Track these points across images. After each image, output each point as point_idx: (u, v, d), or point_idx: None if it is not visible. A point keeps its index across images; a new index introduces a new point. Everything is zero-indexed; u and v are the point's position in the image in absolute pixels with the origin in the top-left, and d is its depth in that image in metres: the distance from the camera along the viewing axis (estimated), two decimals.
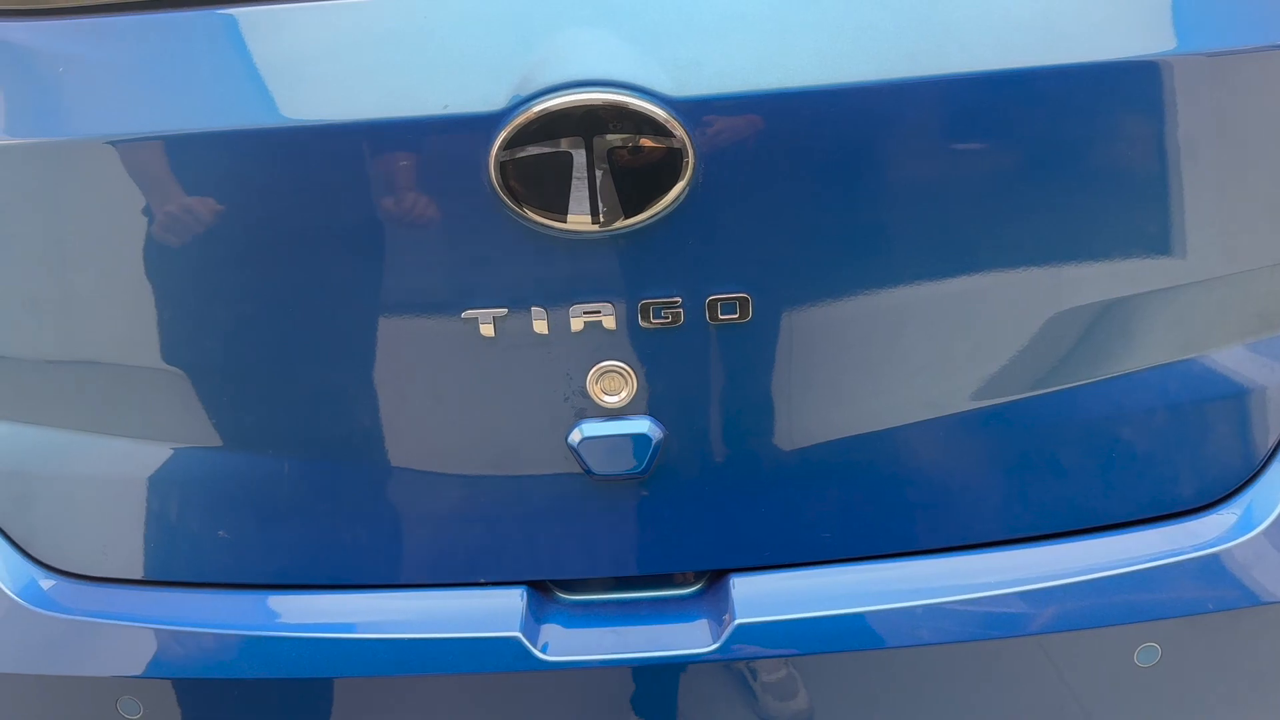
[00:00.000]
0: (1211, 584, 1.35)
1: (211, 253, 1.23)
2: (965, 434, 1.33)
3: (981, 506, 1.36)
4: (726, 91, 1.15)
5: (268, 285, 1.24)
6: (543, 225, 1.18)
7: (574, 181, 1.16)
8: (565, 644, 1.33)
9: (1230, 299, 1.32)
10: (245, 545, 1.37)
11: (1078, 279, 1.26)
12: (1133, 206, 1.24)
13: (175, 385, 1.30)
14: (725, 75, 1.15)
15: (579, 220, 1.17)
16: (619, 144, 1.15)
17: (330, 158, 1.18)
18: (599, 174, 1.15)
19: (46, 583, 1.39)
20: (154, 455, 1.35)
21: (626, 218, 1.18)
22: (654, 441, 1.29)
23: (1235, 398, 1.36)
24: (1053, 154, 1.21)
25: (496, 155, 1.15)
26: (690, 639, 1.34)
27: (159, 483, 1.35)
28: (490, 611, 1.34)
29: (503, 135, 1.14)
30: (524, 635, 1.32)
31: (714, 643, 1.32)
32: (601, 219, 1.17)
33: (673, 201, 1.17)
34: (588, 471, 1.31)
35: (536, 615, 1.35)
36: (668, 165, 1.16)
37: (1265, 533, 1.36)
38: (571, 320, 1.24)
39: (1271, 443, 1.38)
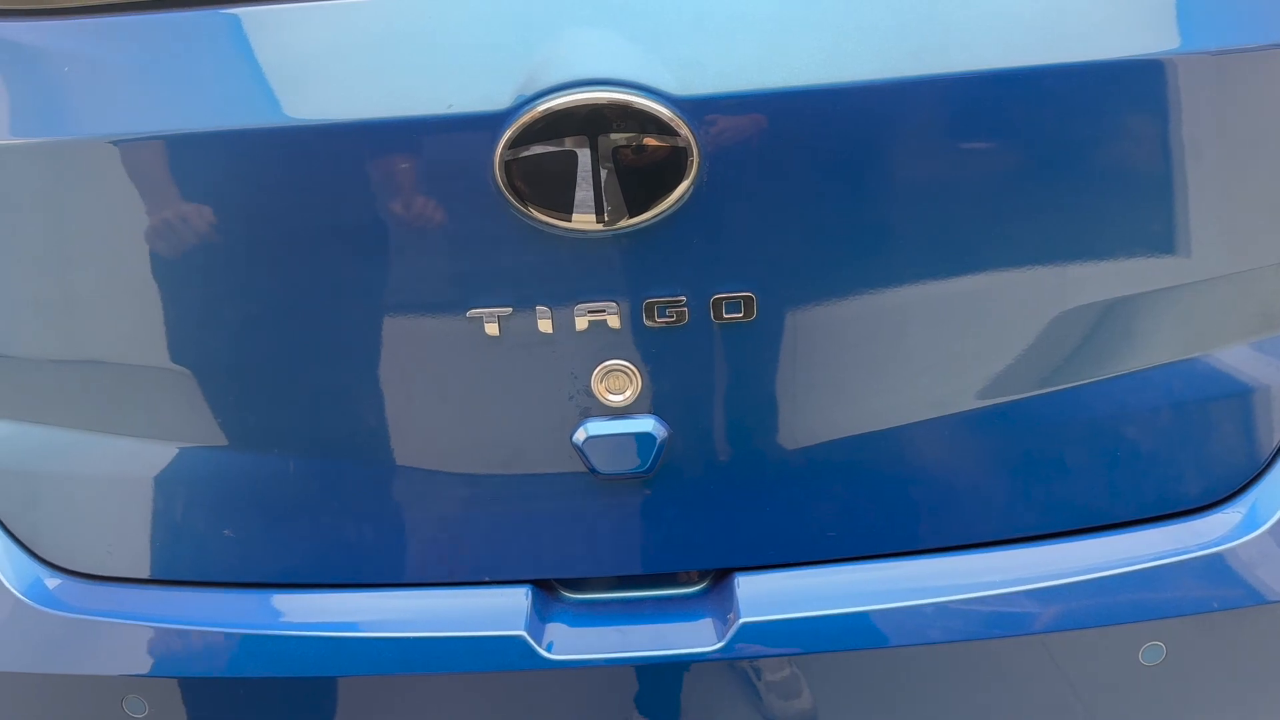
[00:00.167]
0: (1216, 583, 1.35)
1: (216, 252, 1.23)
2: (970, 433, 1.33)
3: (986, 506, 1.36)
4: (731, 90, 1.15)
5: (272, 285, 1.24)
6: (547, 224, 1.18)
7: (579, 181, 1.16)
8: (570, 643, 1.33)
9: (1234, 298, 1.32)
10: (250, 544, 1.37)
11: (1081, 278, 1.26)
12: (1136, 205, 1.24)
13: (181, 385, 1.30)
14: (730, 74, 1.15)
15: (584, 219, 1.17)
16: (624, 143, 1.15)
17: (334, 157, 1.19)
18: (604, 173, 1.15)
19: (52, 582, 1.39)
20: (159, 454, 1.35)
21: (631, 217, 1.18)
22: (658, 440, 1.29)
23: (1239, 397, 1.36)
24: (1056, 153, 1.21)
25: (501, 154, 1.15)
26: (695, 638, 1.33)
27: (164, 482, 1.36)
28: (495, 610, 1.34)
29: (507, 134, 1.14)
30: (529, 634, 1.32)
31: (719, 642, 1.32)
32: (606, 218, 1.17)
33: (677, 200, 1.17)
34: (592, 470, 1.31)
35: (541, 614, 1.35)
36: (672, 164, 1.16)
37: (1270, 531, 1.36)
38: (576, 319, 1.24)
39: (1276, 441, 1.38)
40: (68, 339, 1.30)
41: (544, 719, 1.39)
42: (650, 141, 1.15)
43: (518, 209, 1.17)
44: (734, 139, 1.16)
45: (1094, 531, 1.37)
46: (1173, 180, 1.23)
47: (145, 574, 1.39)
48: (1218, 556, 1.35)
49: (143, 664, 1.35)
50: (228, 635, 1.34)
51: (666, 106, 1.14)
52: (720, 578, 1.39)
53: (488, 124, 1.15)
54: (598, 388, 1.28)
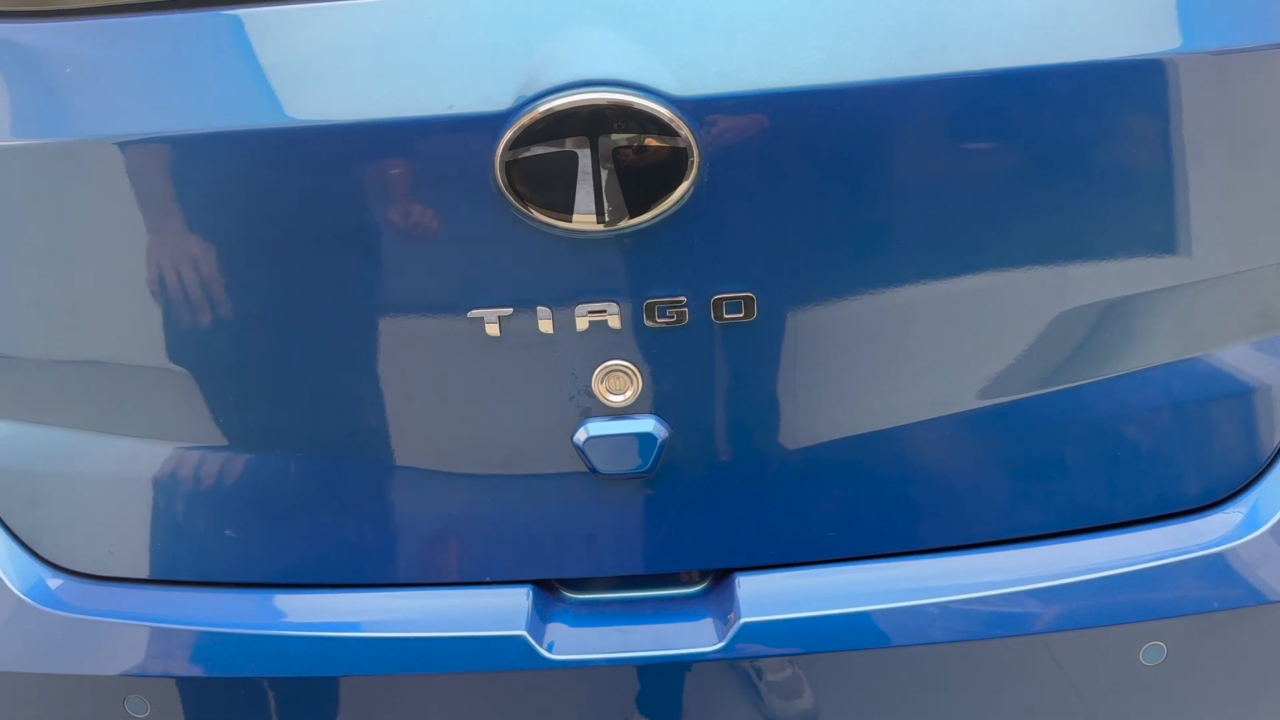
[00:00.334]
0: (1217, 583, 1.35)
1: (216, 253, 1.23)
2: (970, 433, 1.33)
3: (987, 506, 1.36)
4: (731, 91, 1.15)
5: (273, 285, 1.25)
6: (548, 225, 1.18)
7: (579, 181, 1.16)
8: (571, 643, 1.33)
9: (1234, 298, 1.32)
10: (252, 544, 1.37)
11: (1081, 278, 1.26)
12: (1136, 205, 1.24)
13: (182, 385, 1.30)
14: (730, 74, 1.15)
15: (584, 220, 1.17)
16: (624, 143, 1.15)
17: (335, 158, 1.19)
18: (604, 174, 1.15)
19: (54, 582, 1.39)
20: (161, 455, 1.35)
21: (632, 217, 1.18)
22: (659, 440, 1.30)
23: (1240, 396, 1.36)
24: (1057, 153, 1.21)
25: (502, 155, 1.15)
26: (695, 638, 1.33)
27: (166, 482, 1.36)
28: (496, 610, 1.34)
29: (508, 135, 1.14)
30: (529, 634, 1.32)
31: (719, 642, 1.32)
32: (607, 219, 1.17)
33: (678, 201, 1.17)
34: (593, 471, 1.31)
35: (542, 614, 1.36)
36: (673, 165, 1.16)
37: (1271, 531, 1.36)
38: (577, 320, 1.24)
39: (1276, 441, 1.38)
40: (69, 339, 1.30)
41: (545, 719, 1.39)
42: (651, 142, 1.15)
43: (518, 209, 1.17)
44: (734, 139, 1.16)
45: (1094, 531, 1.37)
46: (1173, 180, 1.23)
47: (147, 574, 1.39)
48: (1218, 556, 1.35)
49: (144, 664, 1.35)
50: (229, 635, 1.34)
51: (667, 107, 1.14)
52: (721, 578, 1.39)
53: (488, 124, 1.15)
54: (598, 388, 1.28)
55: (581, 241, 1.19)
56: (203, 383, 1.30)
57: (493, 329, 1.24)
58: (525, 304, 1.23)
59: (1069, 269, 1.25)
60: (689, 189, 1.17)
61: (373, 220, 1.20)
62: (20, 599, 1.36)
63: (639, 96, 1.14)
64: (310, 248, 1.22)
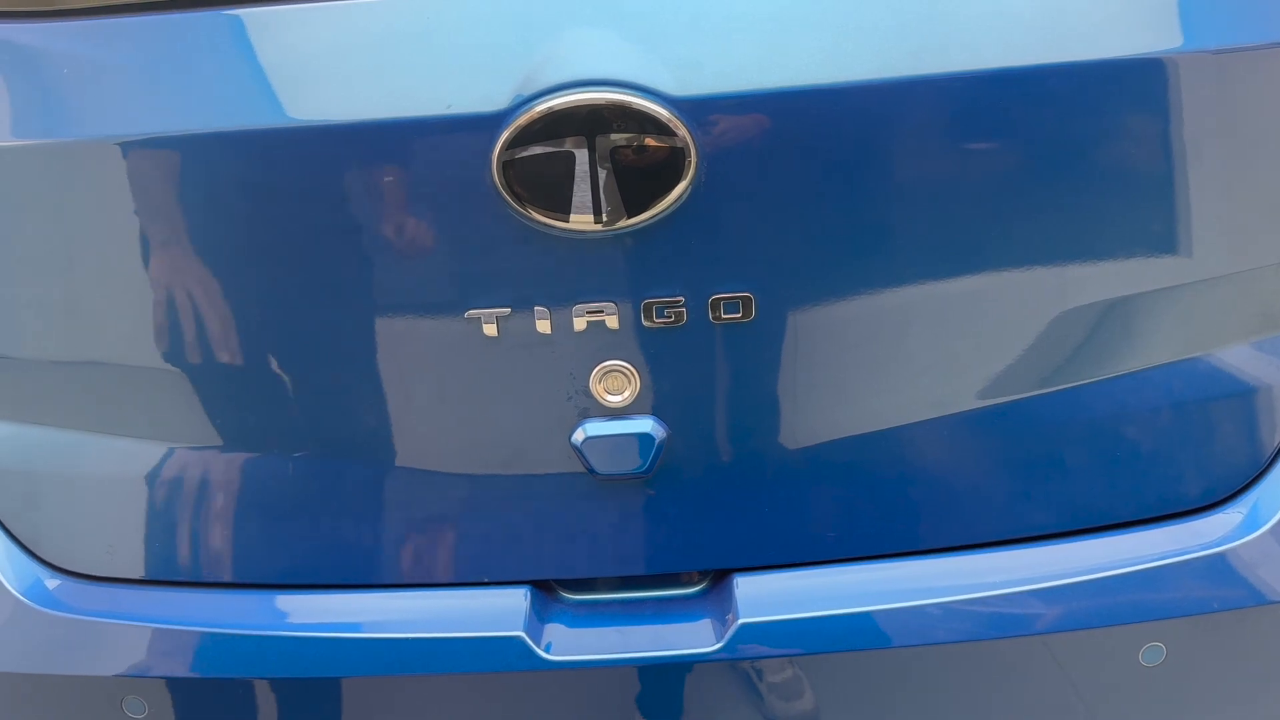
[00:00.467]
0: (1217, 583, 1.35)
1: (215, 253, 1.23)
2: (969, 433, 1.33)
3: (986, 506, 1.36)
4: (729, 91, 1.15)
5: (271, 285, 1.25)
6: (545, 225, 1.18)
7: (577, 181, 1.16)
8: (569, 643, 1.33)
9: (1234, 298, 1.32)
10: (250, 545, 1.37)
11: (1081, 278, 1.26)
12: (1136, 205, 1.24)
13: (180, 385, 1.30)
14: (728, 74, 1.15)
15: (582, 220, 1.17)
16: (622, 143, 1.15)
17: (333, 158, 1.19)
18: (602, 173, 1.15)
19: (52, 582, 1.39)
20: (159, 455, 1.35)
21: (629, 217, 1.18)
22: (657, 441, 1.29)
23: (1240, 396, 1.36)
24: (1056, 153, 1.21)
25: (499, 155, 1.15)
26: (694, 639, 1.33)
27: (164, 483, 1.36)
28: (494, 611, 1.34)
29: (505, 135, 1.14)
30: (527, 635, 1.32)
31: (717, 642, 1.32)
32: (604, 218, 1.17)
33: (675, 201, 1.17)
34: (591, 471, 1.31)
35: (540, 615, 1.35)
36: (670, 165, 1.16)
37: (1271, 531, 1.35)
38: (574, 320, 1.24)
39: (1276, 442, 1.38)
40: (68, 340, 1.30)
41: None
42: (648, 142, 1.15)
43: (516, 210, 1.17)
44: (732, 139, 1.16)
45: (1094, 532, 1.37)
46: (1173, 180, 1.23)
47: (145, 575, 1.39)
48: (1218, 557, 1.34)
49: (142, 665, 1.35)
50: (226, 636, 1.34)
51: (664, 107, 1.14)
52: (719, 578, 1.39)
53: (486, 124, 1.15)
54: (596, 388, 1.28)
55: (579, 241, 1.19)
56: (200, 383, 1.30)
57: (490, 329, 1.24)
58: (523, 304, 1.23)
59: (1069, 269, 1.25)
60: (687, 189, 1.17)
61: (371, 220, 1.20)
62: (18, 600, 1.37)
63: (636, 96, 1.14)
64: (308, 248, 1.22)
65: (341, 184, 1.20)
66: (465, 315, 1.24)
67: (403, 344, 1.26)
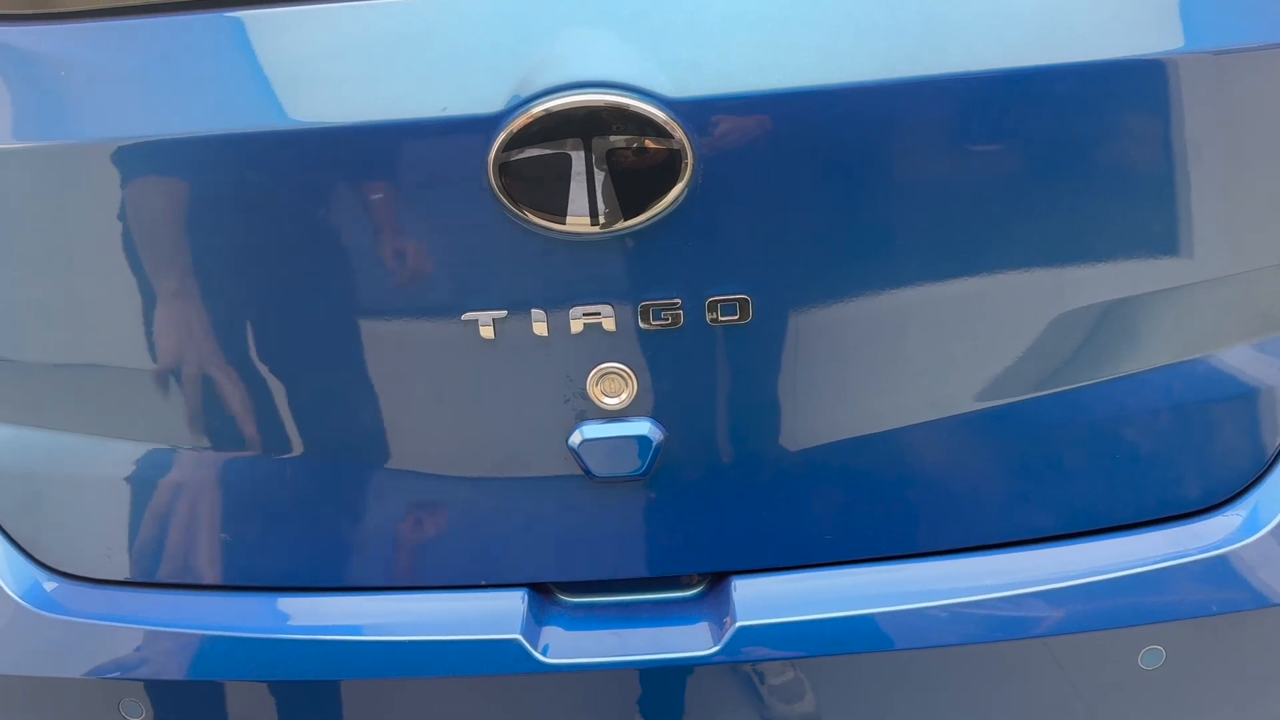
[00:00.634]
0: (1217, 586, 1.34)
1: (212, 256, 1.23)
2: (968, 435, 1.33)
3: (985, 508, 1.36)
4: (726, 92, 1.15)
5: (269, 288, 1.25)
6: (542, 227, 1.18)
7: (573, 183, 1.15)
8: (566, 646, 1.33)
9: (1234, 299, 1.31)
10: (248, 548, 1.37)
11: (1081, 279, 1.26)
12: (1136, 206, 1.24)
13: (178, 388, 1.30)
14: (725, 76, 1.15)
15: (578, 222, 1.17)
16: (618, 145, 1.15)
17: (330, 160, 1.19)
18: (598, 175, 1.15)
19: (50, 585, 1.39)
20: (158, 458, 1.35)
21: (626, 219, 1.17)
22: (654, 443, 1.29)
23: (1240, 398, 1.36)
24: (1056, 154, 1.21)
25: (495, 157, 1.15)
26: (691, 641, 1.33)
27: (163, 486, 1.36)
28: (491, 614, 1.34)
29: (502, 137, 1.14)
30: (524, 638, 1.32)
31: (715, 645, 1.32)
32: (601, 220, 1.17)
33: (672, 203, 1.17)
34: (588, 473, 1.31)
35: (537, 617, 1.35)
36: (667, 166, 1.15)
37: (1271, 534, 1.35)
38: (571, 322, 1.23)
39: (1277, 443, 1.38)
40: (67, 342, 1.30)
41: None
42: (645, 143, 1.15)
43: (512, 212, 1.17)
44: (729, 141, 1.16)
45: (1094, 534, 1.37)
46: (1173, 181, 1.23)
47: (143, 577, 1.39)
48: (1218, 559, 1.34)
49: (140, 667, 1.35)
50: (224, 639, 1.34)
51: (661, 109, 1.14)
52: (717, 581, 1.39)
53: (482, 126, 1.15)
54: (593, 390, 1.28)
55: (576, 244, 1.19)
56: (198, 386, 1.30)
57: (487, 331, 1.24)
58: (519, 306, 1.23)
59: (1069, 270, 1.25)
60: (683, 191, 1.17)
61: (368, 223, 1.20)
62: (16, 602, 1.37)
63: (633, 98, 1.14)
64: (306, 251, 1.22)
65: (339, 186, 1.20)
66: (462, 318, 1.23)
67: (400, 347, 1.26)
